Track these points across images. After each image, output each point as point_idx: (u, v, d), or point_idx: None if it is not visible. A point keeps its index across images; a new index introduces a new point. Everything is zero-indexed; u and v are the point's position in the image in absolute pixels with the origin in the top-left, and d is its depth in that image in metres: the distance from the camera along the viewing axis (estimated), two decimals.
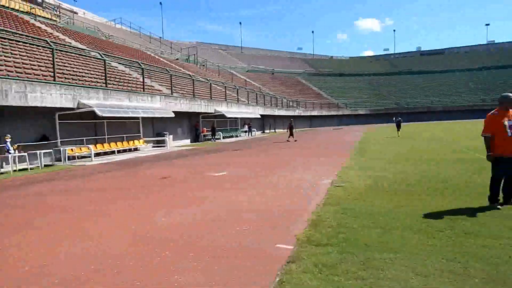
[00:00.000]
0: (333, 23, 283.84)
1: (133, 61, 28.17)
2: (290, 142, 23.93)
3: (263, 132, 47.44)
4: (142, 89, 23.15)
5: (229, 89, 41.62)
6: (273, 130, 49.19)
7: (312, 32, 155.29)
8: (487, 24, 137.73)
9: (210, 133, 30.81)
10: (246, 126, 39.84)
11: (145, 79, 24.80)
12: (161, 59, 45.18)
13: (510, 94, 5.19)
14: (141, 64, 25.13)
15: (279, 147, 20.79)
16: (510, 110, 5.14)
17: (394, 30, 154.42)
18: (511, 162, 5.05)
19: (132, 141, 21.63)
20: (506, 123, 5.02)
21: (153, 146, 24.09)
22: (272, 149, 19.66)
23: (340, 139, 25.71)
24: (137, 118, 21.72)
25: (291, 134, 25.54)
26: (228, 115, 33.10)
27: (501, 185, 5.20)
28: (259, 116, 42.91)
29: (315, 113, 62.93)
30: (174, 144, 26.12)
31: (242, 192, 7.39)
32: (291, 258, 3.62)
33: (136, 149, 21.94)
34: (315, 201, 6.21)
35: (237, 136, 37.69)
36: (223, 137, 32.37)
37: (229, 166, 12.18)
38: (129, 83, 24.21)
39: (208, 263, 3.63)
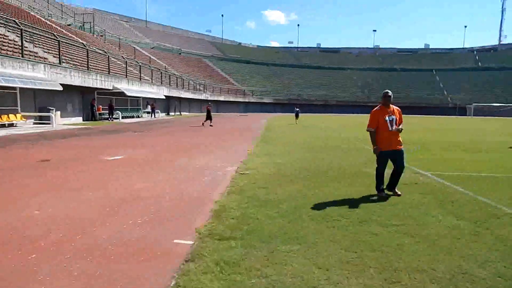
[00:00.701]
0: (243, 10, 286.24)
1: (9, 19, 23.52)
2: (204, 126, 23.05)
3: (168, 114, 45.40)
4: (20, 55, 19.50)
5: (131, 65, 38.46)
6: (179, 113, 47.49)
7: (222, 15, 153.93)
8: (374, 30, 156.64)
9: (108, 111, 28.01)
10: (149, 107, 37.50)
11: (25, 43, 20.98)
12: (49, 22, 38.99)
13: (389, 91, 5.67)
14: (19, 24, 21.11)
15: (183, 130, 20.00)
16: (392, 106, 5.60)
17: (298, 25, 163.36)
18: (393, 155, 5.53)
19: (6, 116, 18.19)
20: (387, 118, 5.46)
21: (35, 123, 20.75)
22: (176, 132, 18.78)
23: (246, 126, 26.08)
24: (13, 88, 18.29)
25: (209, 118, 23.85)
26: (129, 94, 30.58)
27: (383, 176, 5.65)
28: (164, 97, 40.84)
29: (222, 98, 62.94)
30: (63, 121, 22.96)
31: (139, 179, 6.67)
32: (191, 255, 3.26)
33: (11, 125, 18.57)
34: (219, 189, 5.94)
35: (138, 117, 35.24)
36: (123, 117, 29.86)
37: (127, 149, 11.08)
38: (3, 45, 20.14)
39: (88, 266, 3.02)
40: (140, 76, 37.29)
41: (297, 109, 32.16)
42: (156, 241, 3.66)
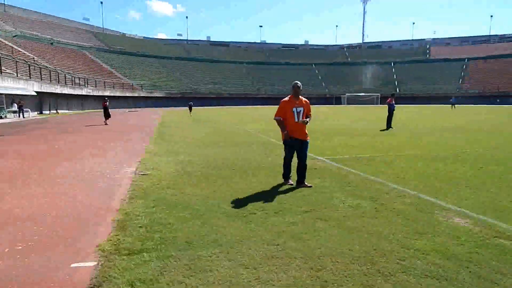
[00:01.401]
0: None
1: None
2: (96, 126, 20.42)
3: (41, 113, 39.26)
4: None
5: None
6: (55, 111, 41.54)
7: (101, 3, 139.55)
8: (261, 26, 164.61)
9: None
10: (16, 106, 31.76)
11: None
12: None
13: (299, 82, 5.72)
14: None
15: (63, 130, 17.49)
16: (301, 97, 5.74)
17: (186, 17, 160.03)
18: (300, 145, 5.67)
19: None
20: (294, 109, 5.58)
21: None
22: (52, 134, 16.28)
23: (139, 122, 24.34)
24: None
25: (106, 115, 21.31)
26: None
27: (291, 164, 5.82)
28: (35, 94, 35.13)
29: (107, 93, 57.49)
30: None
31: (12, 195, 5.45)
32: (96, 280, 2.73)
33: None
34: (119, 195, 5.27)
35: (1, 118, 29.54)
36: None
37: None
38: None
39: None
40: (1, 69, 31.16)
41: (191, 103, 34.99)
42: (46, 270, 2.96)
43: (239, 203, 4.74)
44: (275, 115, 5.74)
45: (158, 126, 20.14)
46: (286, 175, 5.84)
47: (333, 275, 2.78)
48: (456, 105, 45.76)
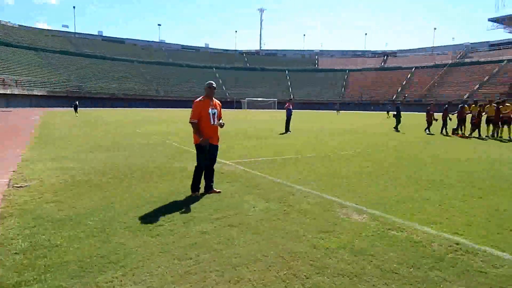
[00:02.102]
0: None
1: None
2: None
3: None
4: None
5: None
6: None
7: None
8: (159, 25, 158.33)
9: None
10: None
11: None
12: None
13: (213, 82, 5.42)
14: None
15: None
16: (214, 99, 5.43)
17: (74, 7, 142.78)
18: (212, 150, 5.34)
19: None
20: (210, 111, 5.26)
21: None
22: None
23: (13, 124, 20.63)
24: None
25: None
26: None
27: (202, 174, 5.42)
28: None
29: None
30: None
31: None
32: None
33: None
34: None
35: None
36: None
37: None
38: None
39: None
40: None
41: (76, 102, 35.03)
42: None
43: (143, 215, 4.28)
44: (191, 118, 5.20)
45: (39, 128, 17.41)
46: (196, 186, 5.28)
47: (251, 285, 2.66)
48: (340, 111, 51.63)
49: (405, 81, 78.54)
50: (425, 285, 2.74)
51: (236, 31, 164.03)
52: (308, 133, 16.89)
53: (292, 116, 17.51)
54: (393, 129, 19.15)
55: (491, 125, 15.87)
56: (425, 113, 18.57)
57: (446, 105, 17.52)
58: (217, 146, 5.49)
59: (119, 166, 7.45)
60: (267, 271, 2.90)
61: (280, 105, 64.53)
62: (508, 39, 75.30)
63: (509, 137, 14.80)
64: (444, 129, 17.12)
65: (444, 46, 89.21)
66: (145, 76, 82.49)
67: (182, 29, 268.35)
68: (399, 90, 75.92)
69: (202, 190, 5.39)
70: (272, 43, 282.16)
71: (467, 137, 15.47)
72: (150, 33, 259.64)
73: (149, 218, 4.15)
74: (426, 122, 17.97)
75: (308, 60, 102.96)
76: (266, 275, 2.82)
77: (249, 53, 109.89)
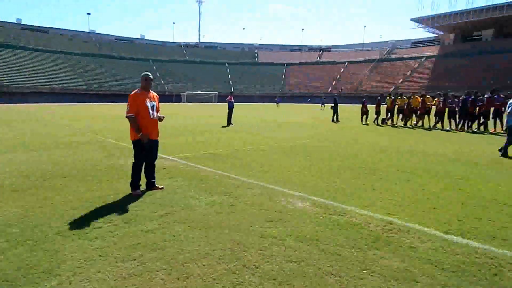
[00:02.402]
0: None
1: None
2: None
3: None
4: None
5: None
6: None
7: None
8: (89, 13, 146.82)
9: None
10: None
11: None
12: None
13: (149, 74, 5.12)
14: None
15: None
16: (151, 91, 5.18)
17: None
18: (152, 146, 5.09)
19: None
20: (148, 104, 4.97)
21: None
22: None
23: None
24: None
25: None
26: None
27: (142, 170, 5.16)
28: None
29: None
30: None
31: None
32: None
33: None
34: None
35: None
36: None
37: None
38: None
39: None
40: None
41: None
42: None
43: (77, 218, 3.96)
44: (128, 112, 4.86)
45: None
46: (136, 184, 5.01)
47: (201, 280, 2.61)
48: (280, 104, 52.96)
49: (339, 75, 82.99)
50: (365, 263, 2.93)
51: (174, 23, 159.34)
52: (250, 125, 17.05)
53: (234, 109, 17.52)
54: (332, 121, 20.14)
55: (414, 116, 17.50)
56: (360, 105, 19.81)
57: (379, 97, 18.94)
58: (157, 141, 5.26)
59: (46, 167, 6.79)
60: (216, 264, 2.87)
61: (221, 99, 64.28)
62: (428, 37, 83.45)
63: (429, 125, 16.52)
64: (377, 119, 18.48)
65: (373, 42, 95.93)
66: (74, 68, 76.22)
67: (116, 20, 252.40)
68: (334, 83, 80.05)
69: (143, 187, 5.15)
70: (211, 36, 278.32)
71: (395, 126, 16.90)
72: (78, 23, 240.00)
73: (85, 221, 3.85)
74: (361, 112, 19.15)
75: (248, 54, 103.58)
76: (215, 269, 2.79)
77: (188, 46, 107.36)
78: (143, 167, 5.15)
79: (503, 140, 9.36)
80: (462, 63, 63.64)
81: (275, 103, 52.64)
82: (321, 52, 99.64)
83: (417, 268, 2.88)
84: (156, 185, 5.24)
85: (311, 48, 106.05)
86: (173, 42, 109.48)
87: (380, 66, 79.42)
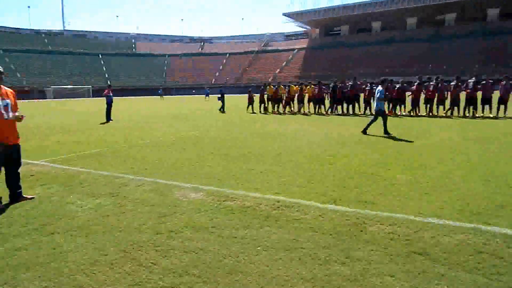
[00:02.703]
0: None
1: None
2: None
3: None
4: None
5: None
6: None
7: None
8: None
9: None
10: None
11: None
12: None
13: (0, 67, 4.30)
14: None
15: None
16: (3, 87, 4.33)
17: None
18: (10, 151, 4.30)
19: None
20: (0, 102, 4.19)
21: None
22: None
23: None
24: None
25: None
26: None
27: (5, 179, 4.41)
28: None
29: None
30: None
31: None
32: None
33: None
34: None
35: None
36: None
37: None
38: None
39: None
40: None
41: None
42: None
43: None
44: None
45: None
46: None
47: None
48: (164, 96, 51.14)
49: (221, 66, 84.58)
50: (258, 240, 3.16)
51: (29, 7, 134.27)
52: (132, 120, 16.04)
53: (113, 104, 16.20)
54: (219, 111, 20.46)
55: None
56: (246, 95, 20.59)
57: (262, 87, 20.07)
58: (17, 145, 4.45)
59: None
60: (109, 270, 2.68)
61: (97, 93, 58.49)
62: (298, 31, 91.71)
63: (309, 111, 18.42)
64: (262, 107, 19.57)
65: (251, 35, 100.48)
66: None
67: None
68: (216, 74, 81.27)
69: (6, 200, 4.38)
70: (79, 24, 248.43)
71: (280, 113, 18.25)
72: None
73: None
74: (248, 102, 19.95)
75: (124, 44, 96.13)
76: (109, 275, 2.60)
77: (50, 34, 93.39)
78: (6, 179, 4.38)
79: (367, 120, 11.10)
80: (327, 54, 72.32)
81: (159, 96, 50.57)
82: (202, 43, 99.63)
83: (302, 236, 3.24)
84: (24, 196, 4.52)
85: (192, 39, 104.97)
86: (30, 29, 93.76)
87: (259, 57, 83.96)
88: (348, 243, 3.09)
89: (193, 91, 72.15)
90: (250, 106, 19.82)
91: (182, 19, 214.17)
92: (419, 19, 70.52)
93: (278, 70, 75.55)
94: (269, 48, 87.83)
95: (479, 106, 14.04)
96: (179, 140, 9.55)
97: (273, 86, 19.80)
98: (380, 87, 9.97)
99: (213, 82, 75.48)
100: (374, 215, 3.71)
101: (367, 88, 17.08)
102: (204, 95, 43.79)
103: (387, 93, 10.75)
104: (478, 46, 56.95)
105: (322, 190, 4.67)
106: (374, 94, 11.03)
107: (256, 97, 20.08)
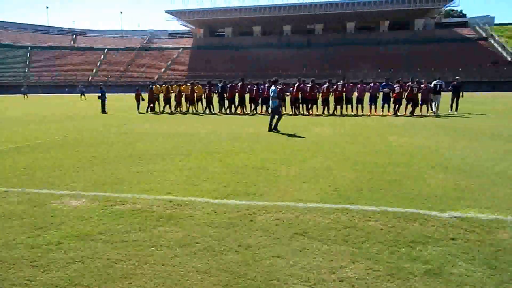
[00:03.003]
0: None
1: None
2: None
3: None
4: None
5: None
6: None
7: None
8: None
9: None
10: None
11: None
12: None
13: None
14: None
15: None
16: None
17: None
18: None
19: None
20: None
21: None
22: None
23: None
24: None
25: None
26: None
27: None
28: None
29: None
30: None
31: None
32: None
33: None
34: None
35: None
36: None
37: None
38: None
39: None
40: None
41: None
42: None
43: None
44: None
45: None
46: None
47: None
48: (28, 95, 43.94)
49: (99, 62, 77.21)
50: (152, 241, 3.12)
51: None
52: None
53: None
54: (101, 113, 18.66)
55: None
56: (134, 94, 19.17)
57: (151, 86, 19.04)
58: None
59: None
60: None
61: None
62: (182, 30, 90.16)
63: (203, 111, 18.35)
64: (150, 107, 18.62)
65: (133, 30, 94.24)
66: None
67: None
68: (94, 71, 73.87)
69: None
70: None
71: (173, 113, 17.71)
72: None
73: None
74: (136, 101, 18.63)
75: None
76: None
77: None
78: None
79: (265, 120, 11.68)
80: (213, 55, 73.36)
81: (23, 94, 43.16)
82: (74, 36, 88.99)
83: (196, 232, 3.33)
84: None
85: (61, 31, 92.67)
86: None
87: (141, 54, 79.65)
88: (239, 233, 3.32)
89: (66, 89, 64.11)
90: (140, 106, 18.71)
91: (47, 7, 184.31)
92: (293, 27, 77.77)
93: (163, 69, 73.16)
94: (153, 45, 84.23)
95: (344, 106, 16.43)
96: (51, 144, 8.45)
97: (174, 84, 19.19)
98: (273, 87, 10.82)
99: (90, 79, 68.43)
100: (262, 205, 4.05)
101: (254, 88, 17.99)
102: (79, 94, 39.24)
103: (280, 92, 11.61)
104: (339, 53, 66.30)
105: (214, 186, 4.83)
106: (263, 93, 11.70)
107: (145, 96, 19.03)
